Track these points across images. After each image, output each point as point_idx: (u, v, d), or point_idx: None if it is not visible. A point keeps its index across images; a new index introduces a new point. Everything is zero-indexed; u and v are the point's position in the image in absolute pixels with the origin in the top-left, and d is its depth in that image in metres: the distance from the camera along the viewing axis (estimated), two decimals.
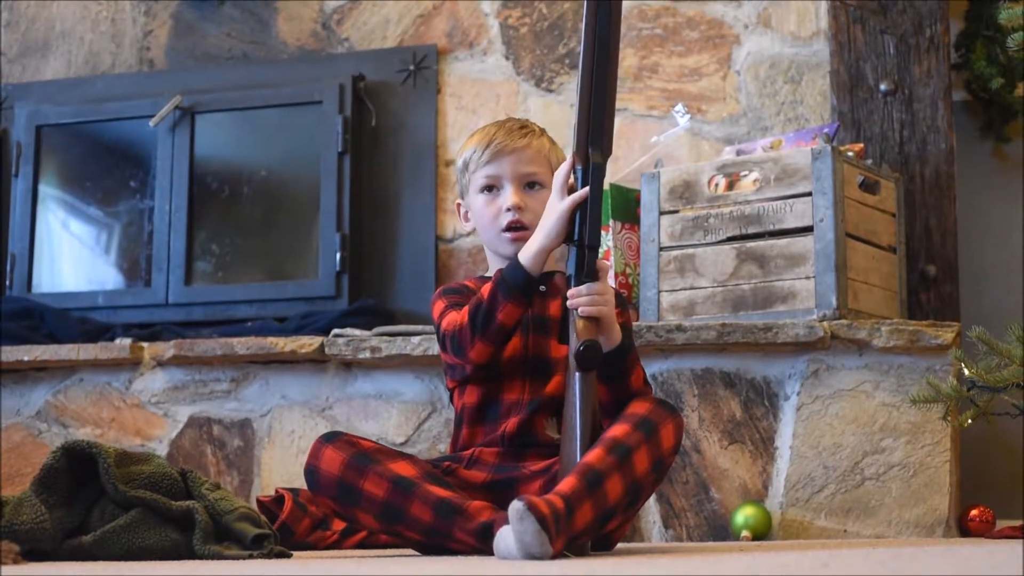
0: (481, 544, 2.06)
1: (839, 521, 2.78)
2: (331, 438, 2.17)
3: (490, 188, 2.32)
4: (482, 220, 2.33)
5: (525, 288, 2.13)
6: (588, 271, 2.12)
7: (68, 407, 3.30)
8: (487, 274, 2.37)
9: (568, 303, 2.12)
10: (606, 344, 2.12)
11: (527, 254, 2.14)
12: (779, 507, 2.80)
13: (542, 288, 2.29)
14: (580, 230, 2.11)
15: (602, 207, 2.14)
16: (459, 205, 2.41)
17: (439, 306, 2.30)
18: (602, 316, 2.11)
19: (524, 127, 2.34)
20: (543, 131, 2.37)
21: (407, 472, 2.13)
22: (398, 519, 2.11)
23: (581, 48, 2.11)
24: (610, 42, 2.10)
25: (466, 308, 2.18)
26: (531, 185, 2.30)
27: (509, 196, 2.29)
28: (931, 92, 3.24)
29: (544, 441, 2.23)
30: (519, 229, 2.28)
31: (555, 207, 2.12)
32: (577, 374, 2.07)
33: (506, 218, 2.29)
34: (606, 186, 3.19)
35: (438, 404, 3.06)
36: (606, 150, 2.13)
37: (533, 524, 1.84)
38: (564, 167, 2.13)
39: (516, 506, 1.85)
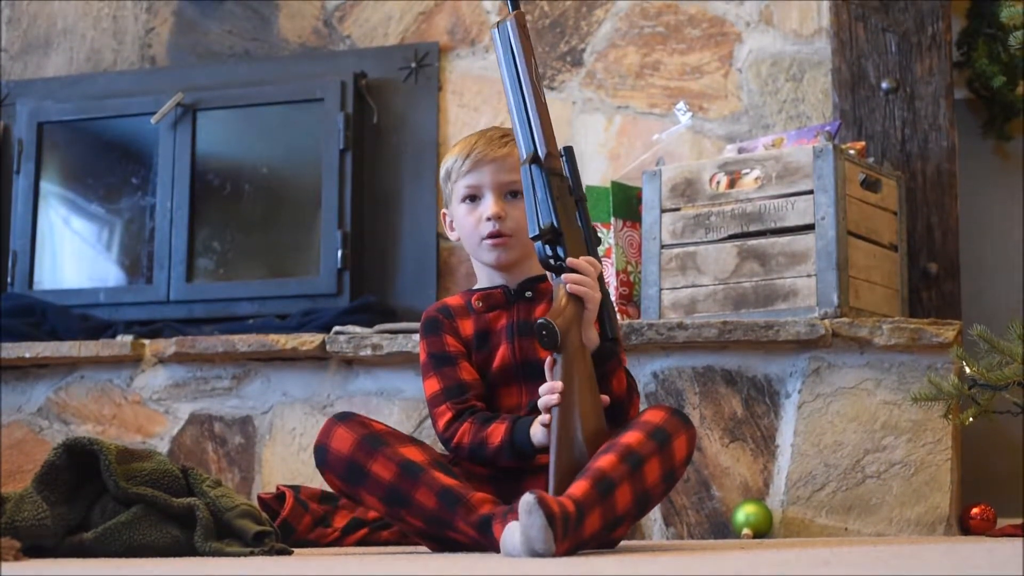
0: (481, 536, 2.06)
1: (840, 519, 2.78)
2: (344, 417, 2.18)
3: (472, 198, 2.32)
4: (464, 229, 2.34)
5: (530, 458, 2.16)
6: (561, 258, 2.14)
7: (69, 404, 3.30)
8: (476, 287, 2.37)
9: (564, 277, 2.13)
10: (587, 344, 2.12)
11: (542, 440, 2.12)
12: (780, 505, 2.80)
13: (527, 294, 2.31)
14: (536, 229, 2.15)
15: (550, 200, 2.15)
16: (444, 215, 2.42)
17: (422, 352, 2.33)
18: (584, 297, 2.11)
19: (505, 136, 2.35)
20: None
21: (416, 457, 2.15)
22: (403, 503, 2.13)
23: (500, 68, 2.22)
24: (522, 53, 2.19)
25: (467, 428, 2.21)
26: (513, 194, 2.30)
27: (490, 205, 2.29)
28: (933, 90, 3.24)
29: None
30: (499, 237, 2.29)
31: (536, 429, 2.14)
32: (557, 358, 2.09)
33: (486, 227, 2.29)
34: (606, 183, 3.20)
35: None
36: (536, 148, 2.16)
37: (541, 519, 1.84)
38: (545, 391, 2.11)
39: (527, 499, 1.86)
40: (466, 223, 2.33)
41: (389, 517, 2.20)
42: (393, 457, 2.13)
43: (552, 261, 2.14)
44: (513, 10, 2.23)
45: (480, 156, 2.31)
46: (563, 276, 2.12)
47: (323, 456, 2.16)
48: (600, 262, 2.18)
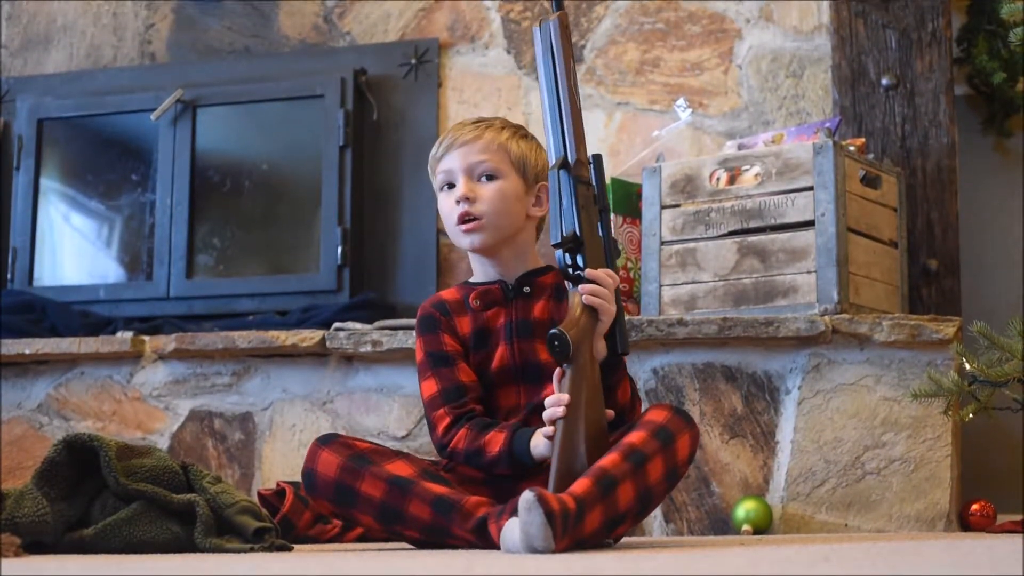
0: (479, 540, 2.06)
1: (840, 515, 2.78)
2: (327, 440, 2.17)
3: (450, 185, 2.29)
4: (444, 217, 2.32)
5: (528, 469, 2.14)
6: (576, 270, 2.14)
7: (69, 400, 3.31)
8: (471, 280, 2.35)
9: (580, 288, 2.11)
10: (596, 355, 2.11)
11: (544, 453, 2.10)
12: (780, 501, 2.80)
13: (526, 289, 2.28)
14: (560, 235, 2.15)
15: (575, 209, 2.15)
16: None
17: (418, 351, 2.29)
18: (599, 309, 2.11)
19: (479, 122, 2.32)
20: (507, 126, 2.32)
21: (404, 472, 2.13)
22: (397, 519, 2.12)
23: (542, 70, 2.20)
24: (562, 55, 2.18)
25: (463, 434, 2.18)
26: (489, 177, 2.27)
27: (460, 187, 2.27)
28: (933, 86, 3.24)
29: None
30: (471, 221, 2.25)
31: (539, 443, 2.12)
32: (567, 369, 2.07)
33: (456, 211, 2.26)
34: (607, 179, 3.19)
35: None
36: (566, 153, 2.16)
37: (540, 516, 1.83)
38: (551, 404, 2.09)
39: (527, 496, 1.85)
40: (444, 209, 2.30)
41: (386, 533, 2.19)
42: (380, 475, 2.12)
43: (571, 270, 2.14)
44: (557, 10, 2.21)
45: (451, 141, 2.29)
46: (580, 286, 2.11)
47: (311, 481, 2.16)
48: (618, 274, 2.18)
